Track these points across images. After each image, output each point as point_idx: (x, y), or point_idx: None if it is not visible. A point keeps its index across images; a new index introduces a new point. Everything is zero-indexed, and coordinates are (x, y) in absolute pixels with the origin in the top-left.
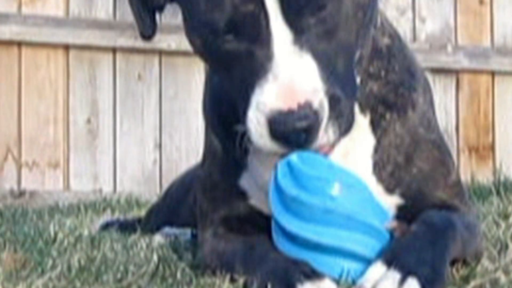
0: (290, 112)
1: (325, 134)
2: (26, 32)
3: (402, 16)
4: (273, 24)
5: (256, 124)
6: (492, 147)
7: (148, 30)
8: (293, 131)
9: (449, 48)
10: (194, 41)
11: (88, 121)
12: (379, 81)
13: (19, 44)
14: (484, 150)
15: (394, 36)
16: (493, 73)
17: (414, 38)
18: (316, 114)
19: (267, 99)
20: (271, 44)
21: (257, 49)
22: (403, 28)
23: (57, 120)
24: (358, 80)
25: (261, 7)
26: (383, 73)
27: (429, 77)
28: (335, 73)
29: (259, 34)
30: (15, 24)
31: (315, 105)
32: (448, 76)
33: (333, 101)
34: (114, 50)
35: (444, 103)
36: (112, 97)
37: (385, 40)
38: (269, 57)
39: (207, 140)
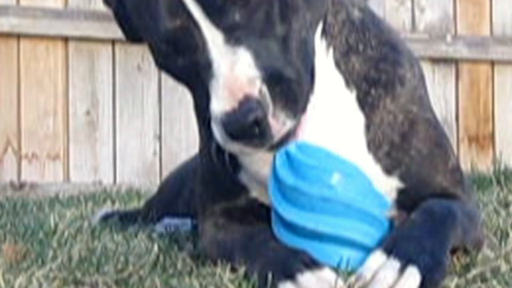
0: (234, 111)
1: (278, 119)
2: (25, 24)
3: (401, 6)
4: (204, 31)
5: (217, 132)
6: (492, 136)
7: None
8: (244, 128)
9: (449, 38)
10: (157, 64)
11: (88, 112)
12: (360, 56)
13: (18, 36)
14: (484, 140)
15: (365, 10)
16: (492, 62)
17: (413, 28)
18: (259, 104)
19: (215, 106)
20: (207, 50)
21: (199, 59)
22: (402, 18)
23: (56, 112)
24: (336, 51)
25: (189, 19)
26: (361, 47)
27: (429, 67)
28: (281, 55)
29: (196, 45)
30: (14, 16)
31: (255, 95)
32: (448, 65)
33: (277, 85)
34: (113, 42)
35: (444, 93)
36: (112, 89)
37: (356, 13)
38: (209, 64)
39: (203, 136)
